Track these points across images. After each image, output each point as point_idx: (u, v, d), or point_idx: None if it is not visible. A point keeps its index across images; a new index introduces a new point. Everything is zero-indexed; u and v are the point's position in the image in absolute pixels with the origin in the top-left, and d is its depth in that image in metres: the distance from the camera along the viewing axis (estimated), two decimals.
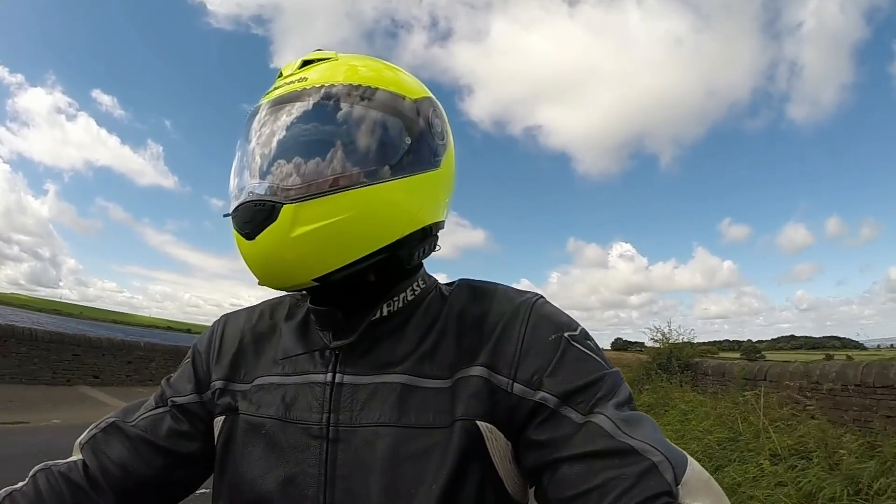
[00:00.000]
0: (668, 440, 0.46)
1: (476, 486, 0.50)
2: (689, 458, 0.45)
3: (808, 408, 4.95)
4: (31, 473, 0.58)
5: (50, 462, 0.60)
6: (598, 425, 0.46)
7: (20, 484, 0.58)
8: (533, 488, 0.52)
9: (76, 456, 0.61)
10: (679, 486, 0.42)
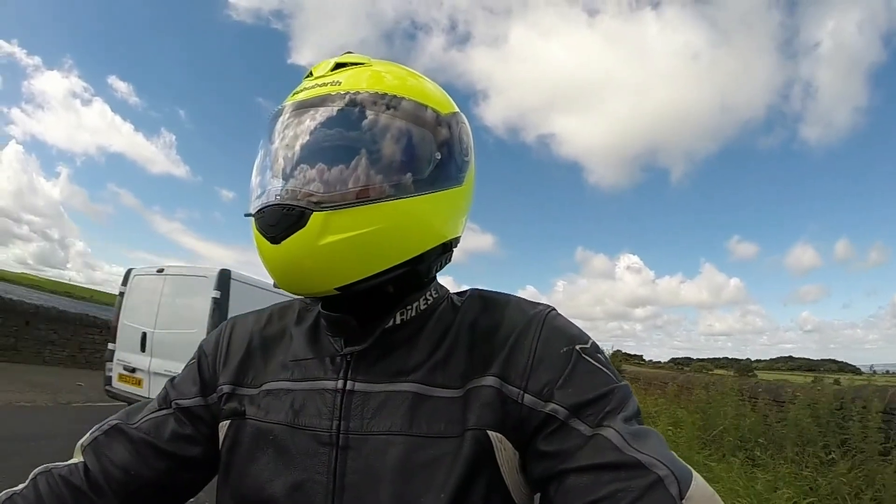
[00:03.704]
0: (674, 455, 0.47)
1: (483, 495, 0.50)
2: (695, 474, 0.46)
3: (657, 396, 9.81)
4: (31, 476, 0.58)
5: (51, 464, 0.59)
6: (607, 438, 0.47)
7: (20, 486, 0.57)
8: (538, 494, 0.52)
9: (78, 458, 0.60)
10: (684, 501, 0.43)
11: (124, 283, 6.00)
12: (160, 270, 5.72)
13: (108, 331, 11.23)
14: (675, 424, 7.28)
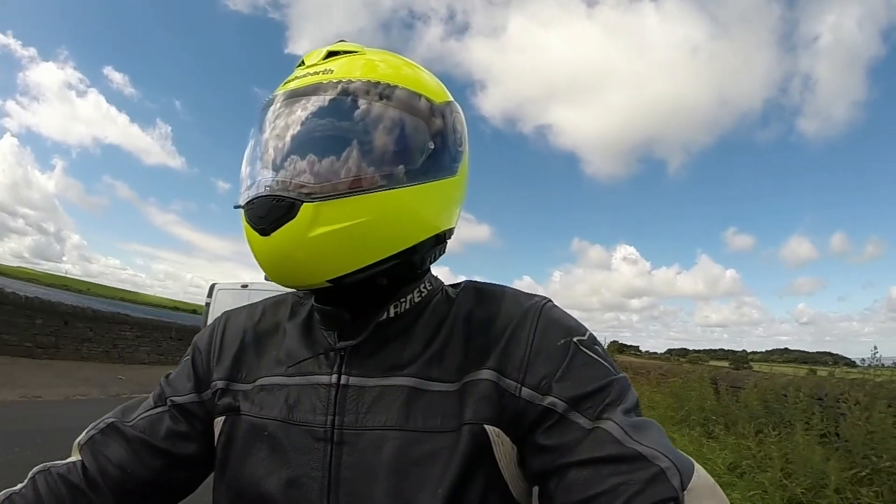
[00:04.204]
0: (674, 447, 0.47)
1: (481, 489, 0.50)
2: (696, 465, 0.46)
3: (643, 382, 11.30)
4: (30, 475, 0.58)
5: (49, 463, 0.59)
6: (607, 431, 0.47)
7: (19, 486, 0.58)
8: (536, 488, 0.52)
9: (75, 457, 0.61)
10: (685, 492, 0.43)
11: (209, 295, 7.08)
12: (244, 286, 6.84)
13: (138, 327, 12.26)
14: (651, 407, 8.65)
